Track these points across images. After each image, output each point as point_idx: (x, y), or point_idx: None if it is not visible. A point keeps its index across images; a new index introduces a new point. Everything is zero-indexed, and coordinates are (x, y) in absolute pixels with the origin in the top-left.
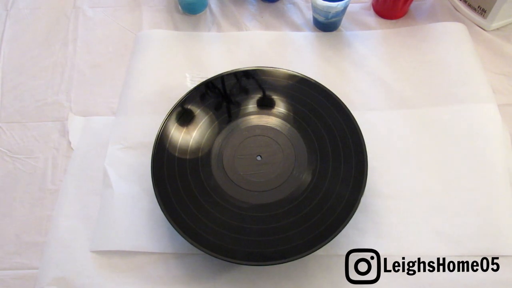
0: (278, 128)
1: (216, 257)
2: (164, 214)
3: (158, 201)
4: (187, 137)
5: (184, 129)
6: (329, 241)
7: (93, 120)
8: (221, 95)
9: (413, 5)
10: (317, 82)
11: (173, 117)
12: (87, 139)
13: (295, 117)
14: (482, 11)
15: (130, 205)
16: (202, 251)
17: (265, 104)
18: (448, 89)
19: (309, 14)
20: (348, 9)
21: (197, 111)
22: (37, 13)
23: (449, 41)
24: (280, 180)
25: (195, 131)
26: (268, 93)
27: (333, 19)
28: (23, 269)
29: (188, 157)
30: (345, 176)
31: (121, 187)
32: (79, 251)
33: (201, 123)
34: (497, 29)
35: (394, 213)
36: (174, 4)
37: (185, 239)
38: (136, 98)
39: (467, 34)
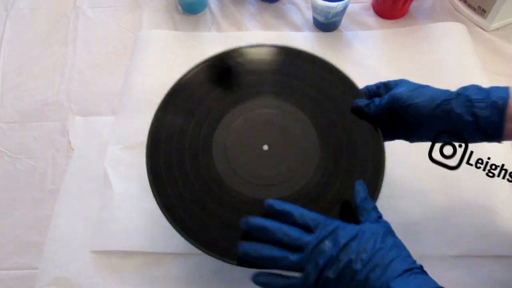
0: (288, 116)
1: (215, 257)
2: (160, 208)
3: (153, 194)
4: (187, 122)
5: (183, 113)
6: None
7: (93, 120)
8: (226, 76)
9: (413, 5)
10: (344, 74)
11: (172, 99)
12: (87, 139)
13: (310, 106)
14: (482, 11)
15: (130, 205)
16: (201, 250)
17: (276, 88)
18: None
19: (309, 14)
20: (348, 9)
21: (197, 92)
22: (37, 13)
23: (449, 41)
24: (286, 176)
25: (195, 116)
26: (279, 76)
27: (333, 19)
28: (23, 269)
29: (187, 145)
30: (359, 177)
31: (121, 187)
32: (79, 251)
33: (202, 107)
34: (497, 29)
35: (394, 213)
36: (174, 4)
37: (181, 235)
38: (136, 98)
39: (467, 34)
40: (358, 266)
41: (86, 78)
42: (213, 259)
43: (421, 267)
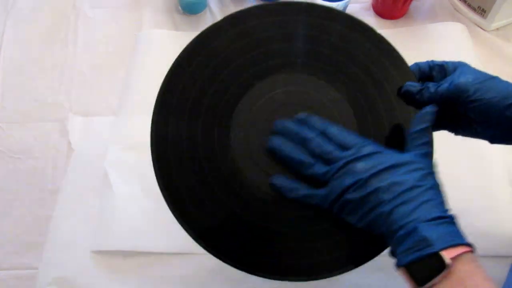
0: (323, 98)
1: (225, 262)
2: (163, 193)
3: (156, 178)
4: (200, 95)
5: (197, 85)
6: (374, 256)
7: (93, 120)
8: (246, 43)
9: (413, 5)
10: (392, 47)
11: (179, 72)
12: (87, 139)
13: (349, 85)
14: (482, 11)
15: (130, 205)
16: (212, 254)
17: (307, 60)
18: None
19: None
20: (348, 9)
21: (210, 66)
22: (37, 13)
23: (449, 41)
24: None
25: (211, 89)
26: (312, 44)
27: None
28: (23, 269)
29: (200, 125)
30: None
31: (121, 187)
32: (79, 251)
33: (219, 81)
34: (497, 29)
35: None
36: (174, 4)
37: (186, 230)
38: (136, 98)
39: (467, 34)
40: (386, 196)
41: (86, 78)
42: (213, 258)
43: (452, 217)
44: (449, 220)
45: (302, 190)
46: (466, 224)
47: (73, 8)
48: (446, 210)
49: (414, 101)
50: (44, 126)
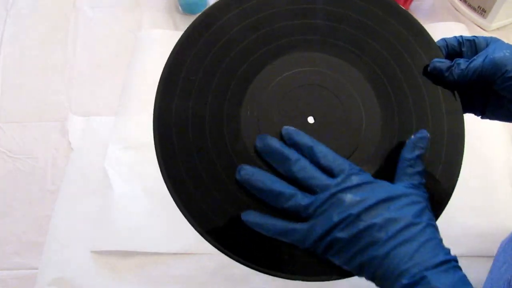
0: (342, 78)
1: (230, 257)
2: (166, 184)
3: (160, 168)
4: (208, 77)
5: (203, 68)
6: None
7: (93, 120)
8: (262, 16)
9: (413, 5)
10: (417, 22)
11: (188, 48)
12: (87, 139)
13: (371, 64)
14: (482, 11)
15: (130, 205)
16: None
17: (327, 38)
18: None
19: None
20: None
21: (222, 40)
22: (37, 13)
23: None
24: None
25: (217, 73)
26: (332, 21)
27: None
28: (23, 269)
29: (208, 113)
30: (432, 159)
31: (121, 187)
32: (79, 251)
33: (227, 59)
34: (497, 29)
35: None
36: (174, 4)
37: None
38: (136, 98)
39: (467, 34)
40: (381, 235)
41: (86, 78)
42: (213, 257)
43: (456, 259)
44: (455, 264)
45: (277, 225)
46: (467, 224)
47: (73, 8)
48: (449, 251)
49: (443, 79)
50: (44, 126)
